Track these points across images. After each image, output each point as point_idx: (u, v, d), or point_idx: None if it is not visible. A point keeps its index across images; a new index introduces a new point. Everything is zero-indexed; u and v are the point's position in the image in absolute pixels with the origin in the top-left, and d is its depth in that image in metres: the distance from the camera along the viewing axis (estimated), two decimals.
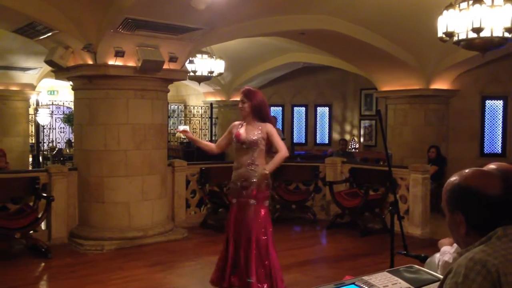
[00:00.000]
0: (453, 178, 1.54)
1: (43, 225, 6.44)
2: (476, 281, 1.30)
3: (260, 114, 4.29)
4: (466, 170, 1.54)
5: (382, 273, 2.12)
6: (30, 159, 12.96)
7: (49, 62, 6.43)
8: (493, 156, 9.13)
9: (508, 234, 1.40)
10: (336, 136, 12.90)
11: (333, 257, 6.15)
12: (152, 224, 6.59)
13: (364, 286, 1.96)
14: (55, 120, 13.66)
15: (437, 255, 2.87)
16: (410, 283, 2.04)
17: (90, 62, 6.23)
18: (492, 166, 2.57)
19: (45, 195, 6.13)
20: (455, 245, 2.66)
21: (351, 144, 12.30)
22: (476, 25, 4.58)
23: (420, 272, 2.20)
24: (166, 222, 6.88)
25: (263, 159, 4.33)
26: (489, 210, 1.44)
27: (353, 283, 1.99)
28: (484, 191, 1.45)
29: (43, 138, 13.28)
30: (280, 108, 13.40)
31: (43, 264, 5.67)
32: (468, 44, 4.93)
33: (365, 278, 2.05)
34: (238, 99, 4.45)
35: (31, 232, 6.05)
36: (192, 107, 14.75)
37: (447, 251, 2.82)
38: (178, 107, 15.70)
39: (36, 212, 6.05)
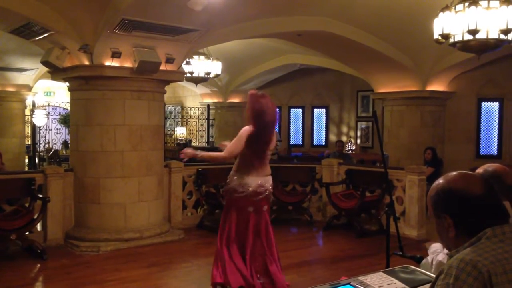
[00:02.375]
0: (437, 183, 1.56)
1: (38, 227, 6.42)
2: (467, 282, 1.31)
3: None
4: (449, 174, 1.55)
5: (378, 274, 2.13)
6: (26, 160, 12.93)
7: (45, 63, 6.41)
8: (489, 158, 9.16)
9: (498, 234, 1.41)
10: (333, 137, 12.92)
11: (329, 258, 6.15)
12: (149, 225, 6.58)
13: (359, 286, 1.97)
14: (52, 121, 13.65)
15: (430, 255, 2.88)
16: (406, 283, 2.04)
17: (87, 63, 6.22)
18: (484, 167, 2.59)
19: (41, 196, 6.11)
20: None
21: (348, 145, 12.32)
22: (472, 27, 4.61)
23: (416, 273, 2.20)
24: (162, 223, 6.86)
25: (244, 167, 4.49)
26: (474, 211, 1.46)
27: (349, 283, 2.00)
28: (466, 192, 1.46)
29: (39, 139, 13.25)
30: (277, 109, 13.40)
31: (38, 265, 5.65)
32: (464, 46, 4.96)
33: (361, 278, 2.06)
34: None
35: (26, 233, 6.01)
36: (189, 109, 14.74)
37: (438, 250, 2.83)
38: (175, 109, 15.69)
39: (31, 213, 6.02)
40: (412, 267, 2.29)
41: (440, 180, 1.55)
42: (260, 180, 4.37)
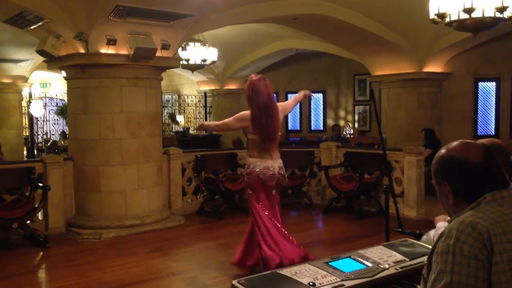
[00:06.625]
0: (439, 152, 1.60)
1: (40, 215, 6.45)
2: (467, 243, 1.34)
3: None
4: (452, 143, 1.58)
5: (378, 247, 2.16)
6: (25, 152, 12.93)
7: (40, 52, 6.39)
8: (487, 138, 9.18)
9: (497, 199, 1.45)
10: (330, 122, 12.93)
11: (330, 240, 6.20)
12: (149, 212, 6.62)
13: (359, 259, 2.00)
14: (49, 112, 13.63)
15: (432, 231, 2.91)
16: (405, 255, 2.08)
17: (82, 51, 6.20)
18: (482, 141, 2.62)
19: (41, 185, 6.13)
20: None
21: (346, 129, 12.34)
22: (468, 6, 4.60)
23: (415, 246, 2.24)
24: (162, 209, 6.90)
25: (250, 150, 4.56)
26: (473, 178, 1.49)
27: (349, 257, 2.03)
28: (466, 160, 1.49)
29: (37, 130, 13.24)
30: (274, 95, 13.38)
31: (41, 253, 5.69)
32: (460, 25, 4.95)
33: (361, 251, 2.09)
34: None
35: (28, 222, 6.04)
36: (186, 97, 14.71)
37: (442, 227, 2.86)
38: (172, 97, 15.66)
39: (32, 202, 6.05)
40: (411, 240, 2.33)
41: (443, 150, 1.58)
42: (267, 163, 4.44)
